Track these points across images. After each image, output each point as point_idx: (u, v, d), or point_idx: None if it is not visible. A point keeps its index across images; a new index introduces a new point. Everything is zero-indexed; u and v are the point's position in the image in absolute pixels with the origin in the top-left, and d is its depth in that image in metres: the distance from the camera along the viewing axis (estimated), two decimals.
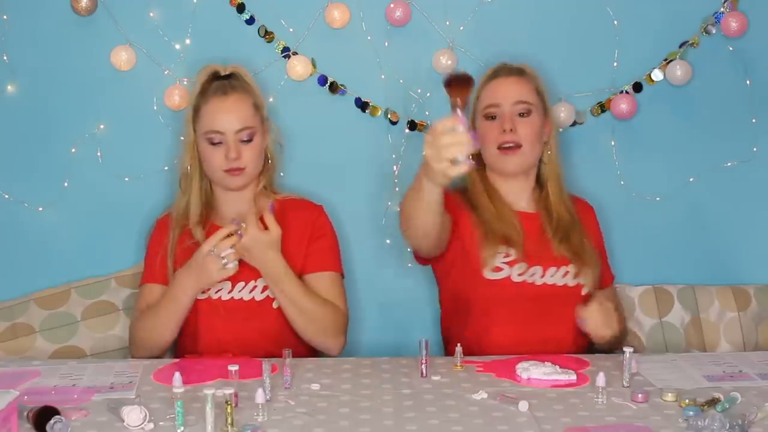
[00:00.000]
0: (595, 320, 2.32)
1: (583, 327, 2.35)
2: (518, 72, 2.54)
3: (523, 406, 1.96)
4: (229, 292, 2.43)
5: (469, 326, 2.47)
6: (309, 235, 2.50)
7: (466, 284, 2.47)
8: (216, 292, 2.43)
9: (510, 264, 2.43)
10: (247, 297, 2.43)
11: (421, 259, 2.54)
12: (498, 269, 2.43)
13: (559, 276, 2.45)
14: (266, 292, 2.43)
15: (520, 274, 2.43)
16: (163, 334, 2.41)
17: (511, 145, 2.46)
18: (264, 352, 2.31)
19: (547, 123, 2.54)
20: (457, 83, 1.94)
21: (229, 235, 2.34)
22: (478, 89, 2.54)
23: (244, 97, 2.46)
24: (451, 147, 1.87)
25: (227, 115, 2.43)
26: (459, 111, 1.90)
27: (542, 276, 2.44)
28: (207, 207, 2.52)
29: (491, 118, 2.49)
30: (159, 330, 2.41)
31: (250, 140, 2.44)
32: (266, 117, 2.53)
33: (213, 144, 2.43)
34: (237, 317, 2.42)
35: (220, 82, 2.47)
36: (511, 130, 2.46)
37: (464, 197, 2.53)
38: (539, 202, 2.55)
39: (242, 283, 2.43)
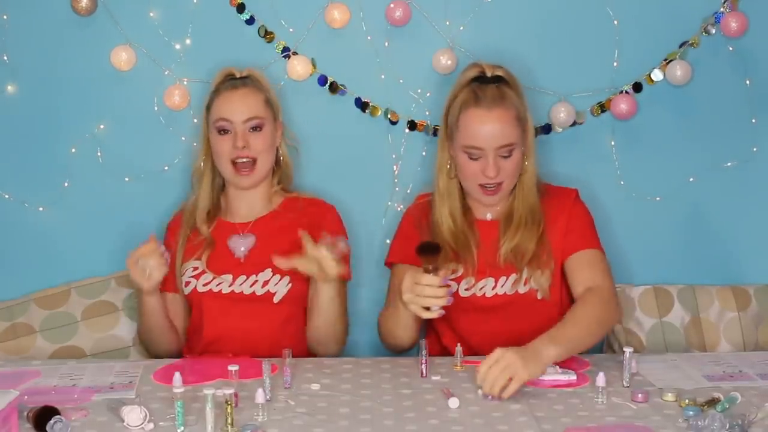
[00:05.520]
0: (491, 381, 2.03)
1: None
2: (500, 97, 2.36)
3: (453, 403, 1.98)
4: (229, 285, 2.45)
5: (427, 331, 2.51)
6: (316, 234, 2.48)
7: None
8: (217, 285, 2.45)
9: (458, 280, 2.40)
10: (247, 291, 2.44)
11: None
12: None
13: (509, 285, 2.40)
14: (266, 287, 2.44)
15: (467, 289, 2.41)
16: (156, 339, 2.51)
17: (493, 185, 2.38)
18: (263, 348, 2.33)
19: (526, 138, 2.42)
20: (425, 253, 2.17)
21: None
22: (456, 111, 2.39)
23: (254, 91, 2.51)
24: (429, 299, 2.13)
25: (235, 105, 2.48)
26: (436, 273, 2.14)
27: (493, 288, 2.41)
28: (218, 205, 2.56)
29: (472, 157, 2.36)
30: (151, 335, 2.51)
31: (258, 129, 2.47)
32: (279, 117, 2.56)
33: (222, 133, 2.47)
34: (237, 310, 2.44)
35: (234, 80, 2.53)
36: (494, 174, 2.36)
37: (428, 204, 2.49)
38: (505, 207, 2.47)
39: (243, 277, 2.45)
